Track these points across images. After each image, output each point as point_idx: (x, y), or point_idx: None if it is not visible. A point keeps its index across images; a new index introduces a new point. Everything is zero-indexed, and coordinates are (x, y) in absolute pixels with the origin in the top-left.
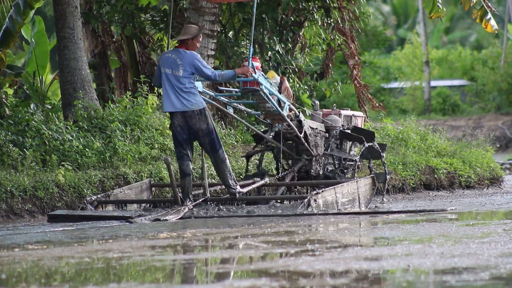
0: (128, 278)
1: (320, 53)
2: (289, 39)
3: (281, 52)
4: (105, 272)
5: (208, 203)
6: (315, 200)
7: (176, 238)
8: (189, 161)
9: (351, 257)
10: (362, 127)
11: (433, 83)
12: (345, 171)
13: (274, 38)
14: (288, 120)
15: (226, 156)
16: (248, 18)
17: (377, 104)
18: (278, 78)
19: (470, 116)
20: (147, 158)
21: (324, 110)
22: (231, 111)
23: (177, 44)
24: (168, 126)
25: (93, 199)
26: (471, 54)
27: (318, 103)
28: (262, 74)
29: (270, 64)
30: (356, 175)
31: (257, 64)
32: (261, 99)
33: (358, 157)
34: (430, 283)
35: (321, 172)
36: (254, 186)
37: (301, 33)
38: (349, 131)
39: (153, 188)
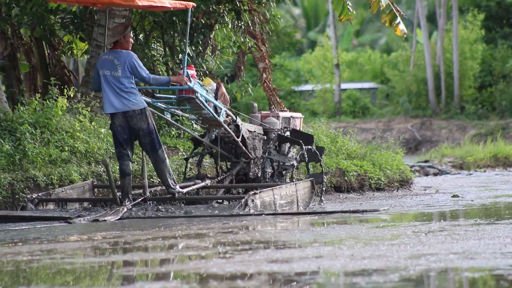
0: (38, 281)
1: (231, 55)
2: (200, 42)
3: (191, 55)
4: (14, 275)
5: (147, 202)
6: (252, 201)
7: (86, 240)
8: (129, 161)
9: (262, 259)
10: (301, 129)
11: (343, 86)
12: (283, 172)
13: (184, 41)
14: (225, 125)
15: (166, 156)
16: (159, 21)
17: (285, 108)
18: (215, 84)
19: (380, 119)
20: (57, 161)
21: (262, 112)
22: (168, 116)
23: (110, 47)
24: (109, 127)
25: (34, 197)
26: (381, 57)
27: (256, 106)
28: (198, 82)
29: (181, 67)
30: (294, 177)
31: (192, 72)
32: (197, 106)
33: (296, 160)
34: (340, 285)
35: (259, 175)
36: (194, 187)
37: (211, 36)
38: (288, 134)
39: (95, 189)
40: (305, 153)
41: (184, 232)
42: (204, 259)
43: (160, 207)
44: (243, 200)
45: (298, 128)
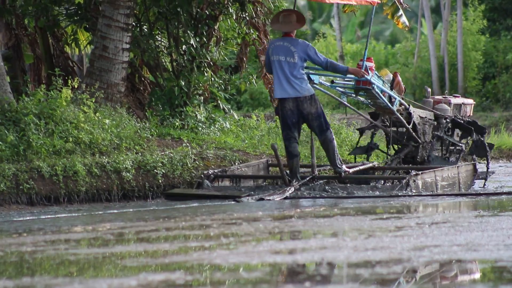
0: (42, 272)
1: (235, 47)
2: (204, 33)
3: (195, 46)
4: (18, 266)
5: (315, 182)
6: (414, 181)
7: (90, 231)
8: (296, 143)
9: (266, 250)
10: (471, 114)
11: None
12: (448, 157)
13: (189, 32)
14: (398, 114)
15: (333, 136)
16: (163, 12)
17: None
18: (391, 75)
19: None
20: (61, 152)
21: (435, 97)
22: (344, 100)
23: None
24: (274, 110)
25: (210, 173)
26: (385, 49)
27: (430, 90)
28: (376, 73)
29: (185, 58)
30: (459, 161)
31: (371, 64)
32: (373, 96)
33: (464, 144)
34: (344, 277)
35: (426, 158)
36: (361, 167)
37: (216, 27)
38: (462, 121)
39: (270, 168)
40: (475, 142)
41: (188, 223)
42: (207, 250)
43: (327, 187)
44: (404, 181)
45: (468, 114)
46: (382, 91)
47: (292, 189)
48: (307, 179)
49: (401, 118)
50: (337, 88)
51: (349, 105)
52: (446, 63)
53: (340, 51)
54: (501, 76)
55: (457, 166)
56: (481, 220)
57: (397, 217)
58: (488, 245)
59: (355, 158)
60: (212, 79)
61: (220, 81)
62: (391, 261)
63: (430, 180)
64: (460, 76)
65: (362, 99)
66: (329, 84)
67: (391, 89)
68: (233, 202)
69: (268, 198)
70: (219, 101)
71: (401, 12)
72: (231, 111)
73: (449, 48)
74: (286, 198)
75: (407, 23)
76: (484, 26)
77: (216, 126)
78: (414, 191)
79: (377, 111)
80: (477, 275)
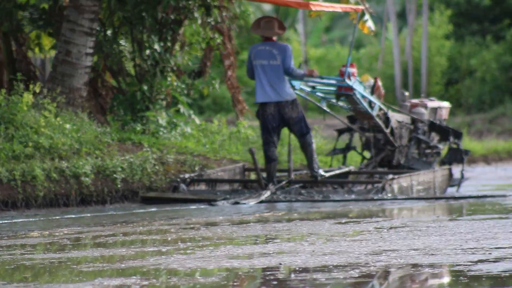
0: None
1: (199, 51)
2: (169, 38)
3: (159, 51)
4: None
5: (291, 186)
6: (390, 185)
7: (47, 236)
8: (275, 148)
9: (223, 255)
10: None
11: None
12: (424, 159)
13: (153, 36)
14: (377, 119)
15: (313, 140)
16: (128, 16)
17: (246, 107)
18: (372, 80)
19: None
20: (20, 156)
21: (412, 101)
22: (324, 105)
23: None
24: (255, 114)
25: (186, 177)
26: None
27: (407, 94)
28: (357, 79)
29: (149, 63)
30: (435, 164)
31: (353, 70)
32: (354, 102)
33: (441, 146)
34: (301, 281)
35: (401, 162)
36: (337, 172)
37: (180, 32)
38: (438, 124)
39: (246, 172)
40: (452, 149)
41: (146, 228)
42: (164, 255)
43: (302, 191)
44: (380, 185)
45: (444, 118)
46: (363, 96)
47: (268, 192)
48: (283, 183)
49: (380, 123)
50: (317, 93)
51: (328, 110)
52: (410, 68)
53: (303, 56)
54: (464, 81)
55: (433, 171)
56: (439, 225)
57: (356, 222)
58: (446, 249)
59: (331, 161)
60: (175, 83)
61: (183, 85)
62: (348, 266)
63: (406, 184)
64: (423, 81)
65: (341, 104)
66: (309, 90)
67: (372, 94)
68: (193, 207)
69: (243, 202)
70: (181, 106)
71: (367, 17)
72: (193, 115)
73: (413, 53)
74: (261, 201)
75: (373, 28)
76: (449, 31)
77: (178, 130)
78: (389, 195)
79: (357, 116)
80: (434, 280)
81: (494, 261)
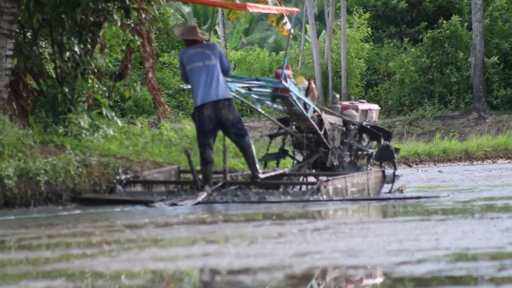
0: None
1: (120, 54)
2: (89, 40)
3: (79, 53)
4: None
5: (227, 187)
6: (324, 187)
7: None
8: (211, 150)
9: (148, 257)
10: (376, 120)
11: (232, 84)
12: (357, 162)
13: (73, 39)
14: (312, 121)
15: (251, 142)
16: (48, 18)
17: (168, 109)
18: (306, 82)
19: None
20: None
21: (343, 103)
22: (258, 107)
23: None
24: (191, 116)
25: (123, 178)
26: (270, 56)
27: (338, 96)
28: (293, 81)
29: (69, 65)
30: (368, 166)
31: (289, 72)
32: (289, 104)
33: (372, 150)
34: (226, 283)
35: (335, 164)
36: (273, 173)
37: (100, 34)
38: (369, 127)
39: (181, 174)
40: (382, 147)
41: (70, 230)
42: (89, 257)
43: (238, 192)
44: (315, 186)
45: (374, 120)
46: (298, 98)
47: (205, 194)
48: (219, 184)
49: (314, 124)
50: (252, 95)
51: (263, 112)
52: (330, 70)
53: None
54: (383, 83)
55: (367, 173)
56: (362, 227)
57: (280, 224)
58: (369, 251)
59: (265, 165)
60: (96, 86)
61: (104, 88)
62: (273, 268)
63: (341, 186)
64: (343, 83)
65: (275, 105)
66: (245, 91)
67: (306, 96)
68: (118, 210)
69: (180, 203)
70: (103, 108)
71: (285, 19)
72: (115, 118)
73: (333, 55)
74: (198, 203)
75: (292, 30)
76: (368, 34)
77: (100, 133)
78: (324, 196)
79: (291, 118)
80: (358, 281)
81: (417, 263)
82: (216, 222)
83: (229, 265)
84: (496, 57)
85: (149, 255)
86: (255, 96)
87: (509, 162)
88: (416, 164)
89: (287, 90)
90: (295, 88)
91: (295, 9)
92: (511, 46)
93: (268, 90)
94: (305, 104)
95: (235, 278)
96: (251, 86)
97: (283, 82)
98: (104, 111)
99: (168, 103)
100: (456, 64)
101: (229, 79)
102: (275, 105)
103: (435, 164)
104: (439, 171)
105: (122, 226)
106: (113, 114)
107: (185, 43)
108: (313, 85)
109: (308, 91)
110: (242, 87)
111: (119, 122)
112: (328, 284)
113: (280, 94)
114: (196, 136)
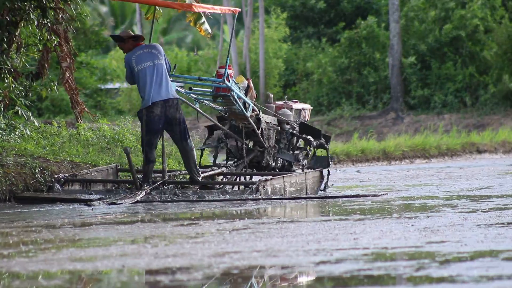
0: None
1: (37, 53)
2: (5, 39)
3: None
4: None
5: (165, 186)
6: (263, 187)
7: None
8: (155, 149)
9: (65, 258)
10: (308, 119)
11: (172, 84)
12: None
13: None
14: (251, 120)
15: (193, 145)
16: None
17: (86, 108)
18: (246, 82)
19: (186, 117)
20: None
21: (277, 103)
22: (197, 106)
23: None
24: (137, 115)
25: (61, 177)
26: (188, 56)
27: (272, 96)
28: (233, 80)
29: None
30: (305, 167)
31: (231, 71)
32: (230, 103)
33: (308, 149)
34: (144, 283)
35: (271, 163)
36: (210, 173)
37: (17, 33)
38: (297, 129)
39: (119, 173)
40: (315, 148)
41: None
42: (6, 258)
43: (177, 191)
44: (254, 186)
45: (306, 119)
46: (238, 97)
47: (143, 193)
48: (158, 183)
49: (253, 123)
50: (191, 94)
51: (201, 111)
52: (248, 70)
53: None
54: (301, 84)
55: (305, 173)
56: (281, 226)
57: (198, 224)
58: (288, 250)
59: (200, 159)
60: (13, 85)
61: (21, 87)
62: (192, 268)
63: (279, 185)
64: (262, 83)
65: (213, 105)
66: (184, 91)
67: (246, 95)
68: (34, 210)
69: (120, 202)
70: (19, 108)
71: (203, 19)
72: (32, 118)
73: (251, 55)
74: (137, 202)
75: (210, 30)
76: (286, 34)
77: (17, 133)
78: (263, 195)
79: (230, 117)
80: (277, 281)
81: (335, 262)
82: (134, 222)
83: (147, 265)
84: (414, 58)
85: (67, 255)
86: (194, 96)
87: (426, 162)
88: (335, 164)
89: (229, 89)
90: (237, 88)
91: (238, 9)
92: (428, 47)
93: (209, 90)
94: (244, 103)
95: (154, 278)
96: (191, 86)
97: (226, 82)
98: (20, 111)
99: (86, 103)
100: (373, 64)
101: (171, 78)
102: (213, 105)
103: (353, 164)
104: (358, 171)
105: (39, 226)
106: (30, 114)
107: (125, 47)
108: (251, 84)
109: (247, 90)
110: (182, 86)
111: (36, 122)
112: (247, 284)
113: (222, 94)
114: (142, 135)
